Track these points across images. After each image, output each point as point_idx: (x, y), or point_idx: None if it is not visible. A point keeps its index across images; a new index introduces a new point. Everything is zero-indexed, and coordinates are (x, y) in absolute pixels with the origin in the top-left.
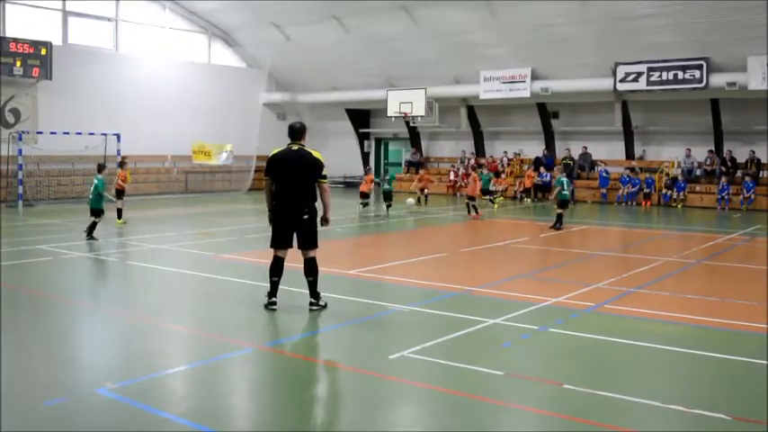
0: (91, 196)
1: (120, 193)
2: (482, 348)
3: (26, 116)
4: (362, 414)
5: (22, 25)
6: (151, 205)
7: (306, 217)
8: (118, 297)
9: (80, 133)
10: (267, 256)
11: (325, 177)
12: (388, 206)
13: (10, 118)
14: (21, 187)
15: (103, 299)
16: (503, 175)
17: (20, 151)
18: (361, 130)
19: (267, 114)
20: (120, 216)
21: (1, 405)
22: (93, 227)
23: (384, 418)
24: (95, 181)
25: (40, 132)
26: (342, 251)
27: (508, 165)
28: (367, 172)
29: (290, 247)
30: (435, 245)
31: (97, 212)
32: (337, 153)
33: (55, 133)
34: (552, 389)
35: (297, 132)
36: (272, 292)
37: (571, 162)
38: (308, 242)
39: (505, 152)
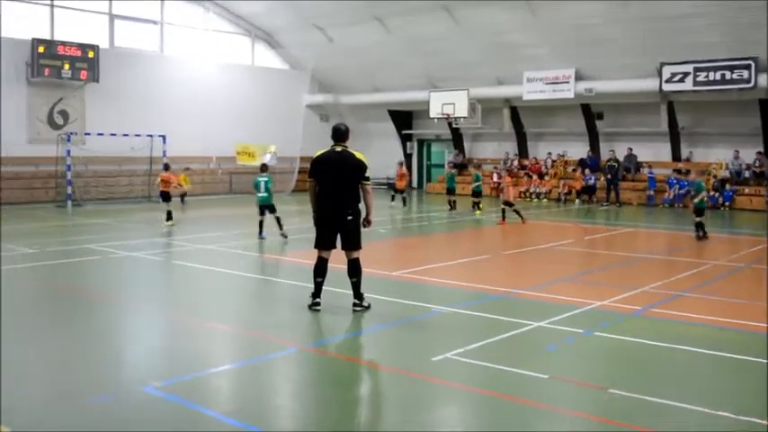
0: (265, 195)
1: (166, 196)
2: (526, 351)
3: (74, 118)
4: (406, 415)
5: (70, 29)
6: (196, 206)
7: (349, 218)
8: (163, 296)
9: (126, 135)
10: (311, 257)
11: (368, 179)
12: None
13: (59, 120)
14: (69, 187)
15: (149, 298)
16: (546, 177)
17: (68, 152)
18: (403, 132)
19: (310, 116)
20: (169, 217)
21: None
22: (279, 221)
23: (427, 420)
24: (265, 179)
25: (88, 134)
26: (385, 252)
27: (552, 166)
28: (400, 164)
29: (334, 248)
30: (478, 247)
31: (273, 208)
32: (380, 154)
33: (102, 135)
34: (597, 393)
35: (341, 134)
36: (316, 292)
37: (616, 164)
38: (352, 243)
39: (549, 153)
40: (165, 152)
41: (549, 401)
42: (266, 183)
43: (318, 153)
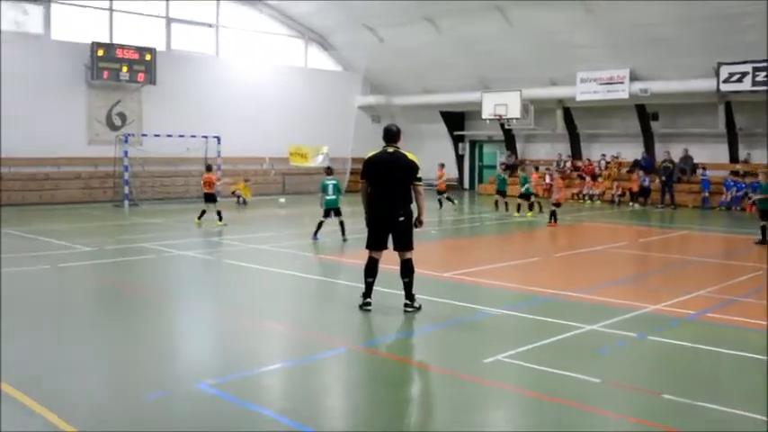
0: (334, 197)
1: (210, 197)
2: (578, 354)
3: (132, 119)
4: (456, 417)
5: (129, 32)
6: (249, 206)
7: (402, 219)
8: (216, 295)
9: (182, 136)
10: (362, 257)
11: (420, 180)
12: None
13: (117, 121)
14: (126, 187)
15: (203, 296)
16: (599, 179)
17: (126, 153)
18: (455, 133)
19: (362, 117)
20: (220, 218)
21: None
22: (342, 225)
23: (478, 422)
24: (333, 181)
25: (145, 135)
26: (436, 253)
27: (605, 168)
28: (441, 167)
29: (386, 248)
30: (529, 249)
31: (339, 211)
32: (431, 156)
33: (159, 136)
34: (650, 398)
35: (393, 135)
36: (367, 292)
37: (671, 165)
38: (404, 244)
39: (603, 155)
40: (219, 153)
41: (601, 406)
42: (335, 185)
43: (370, 154)
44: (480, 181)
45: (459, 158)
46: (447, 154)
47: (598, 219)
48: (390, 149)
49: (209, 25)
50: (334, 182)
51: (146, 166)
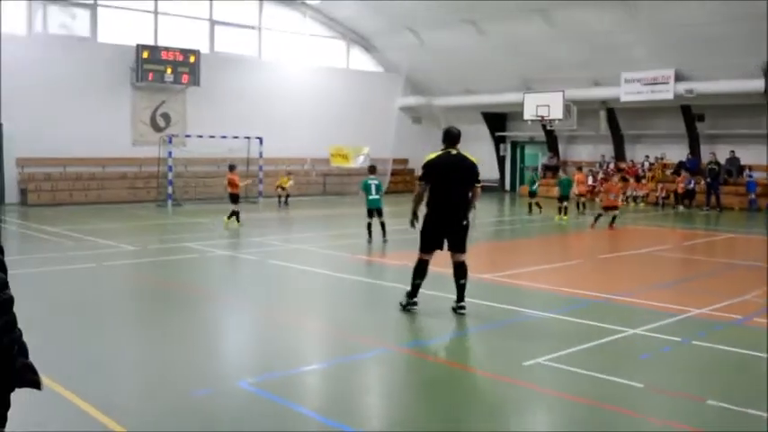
0: (376, 197)
1: (233, 197)
2: (620, 359)
3: (176, 120)
4: (494, 419)
5: (173, 35)
6: (290, 206)
7: (464, 222)
8: (258, 294)
9: (225, 137)
10: (401, 258)
11: (480, 182)
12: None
13: (161, 122)
14: (170, 187)
15: (244, 296)
16: (643, 180)
17: (170, 153)
18: (496, 134)
19: (402, 118)
20: (232, 215)
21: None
22: (383, 226)
23: (516, 425)
24: (376, 181)
25: (188, 136)
26: (477, 255)
27: (649, 169)
28: None
29: (440, 250)
30: (572, 251)
31: (381, 211)
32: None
33: (202, 137)
34: (694, 404)
35: (454, 137)
36: (413, 293)
37: (717, 167)
38: (461, 246)
39: (647, 156)
40: (261, 153)
41: (643, 411)
42: (377, 186)
43: (431, 156)
44: (521, 182)
45: (501, 160)
46: (488, 155)
47: (642, 221)
48: (453, 152)
49: (253, 28)
50: (376, 181)
51: (189, 167)
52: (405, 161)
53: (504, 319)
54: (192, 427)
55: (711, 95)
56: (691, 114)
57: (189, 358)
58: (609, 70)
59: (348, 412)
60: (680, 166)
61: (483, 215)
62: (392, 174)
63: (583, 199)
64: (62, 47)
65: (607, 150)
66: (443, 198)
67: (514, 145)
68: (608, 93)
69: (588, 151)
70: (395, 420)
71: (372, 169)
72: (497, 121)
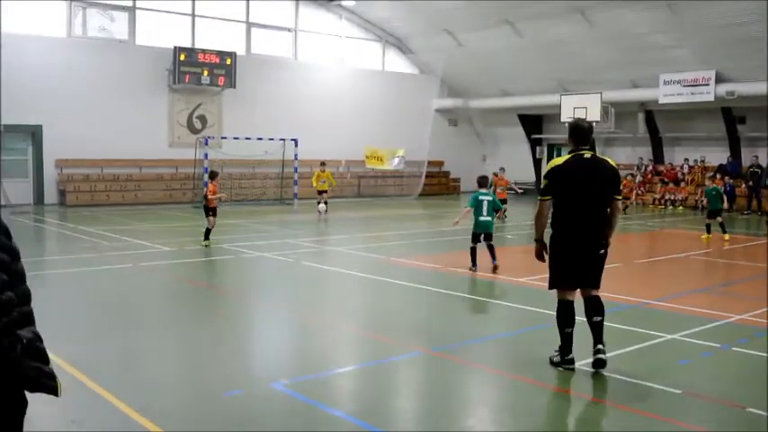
0: (488, 218)
1: (209, 210)
2: (659, 364)
3: (212, 122)
4: (531, 424)
5: (210, 37)
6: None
7: (602, 251)
8: (293, 296)
9: (261, 138)
10: (437, 261)
11: (620, 193)
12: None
13: (197, 124)
14: (206, 189)
15: (279, 297)
16: (682, 184)
17: (206, 155)
18: (533, 136)
19: (438, 120)
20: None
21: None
22: (492, 250)
23: (551, 429)
24: (489, 197)
25: (224, 137)
26: (510, 258)
27: (689, 172)
28: (499, 171)
29: (579, 287)
30: (610, 255)
31: (491, 235)
32: (509, 159)
33: (237, 138)
34: (734, 412)
35: (587, 133)
36: (567, 347)
37: (759, 170)
38: (597, 280)
39: (686, 159)
40: (296, 155)
41: (681, 417)
42: (491, 202)
43: (557, 162)
44: None
45: (537, 162)
46: (524, 157)
47: (681, 225)
48: (587, 154)
49: (289, 30)
50: (490, 197)
51: (225, 168)
52: (440, 163)
53: (539, 322)
54: (225, 427)
55: (753, 97)
56: (732, 116)
57: (223, 359)
58: (647, 72)
59: (381, 415)
60: (720, 169)
61: (519, 218)
62: (427, 176)
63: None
64: (101, 49)
65: (645, 153)
66: (576, 218)
67: (551, 147)
68: (646, 94)
69: (626, 154)
70: (427, 424)
71: (483, 181)
72: (534, 123)
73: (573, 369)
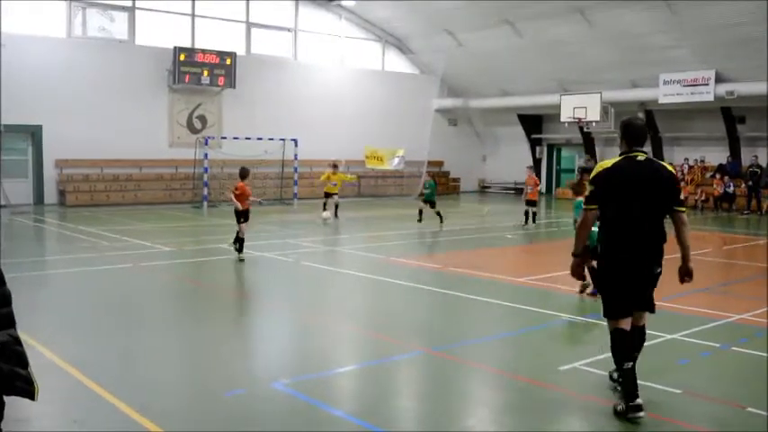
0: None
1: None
2: (658, 364)
3: (212, 122)
4: (530, 424)
5: (210, 37)
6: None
7: (659, 270)
8: (293, 296)
9: (260, 138)
10: (438, 261)
11: (683, 204)
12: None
13: (197, 124)
14: (206, 189)
15: (280, 297)
16: (682, 183)
17: (206, 155)
18: (532, 136)
19: (438, 120)
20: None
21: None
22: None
23: (550, 429)
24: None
25: (224, 137)
26: (510, 258)
27: (688, 172)
28: (531, 171)
29: (638, 311)
30: None
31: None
32: (508, 159)
33: (237, 138)
34: (734, 412)
35: (641, 133)
36: (631, 388)
37: (758, 170)
38: (650, 303)
39: (686, 159)
40: (296, 155)
41: (681, 417)
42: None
43: (605, 164)
44: (558, 185)
45: (537, 162)
46: (524, 157)
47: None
48: (641, 157)
49: (288, 30)
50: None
51: (224, 168)
52: (440, 163)
53: (539, 323)
54: (226, 427)
55: (753, 97)
56: (731, 116)
57: (224, 359)
58: (647, 71)
59: (381, 415)
60: (720, 169)
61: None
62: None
63: None
64: (100, 49)
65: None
66: (629, 230)
67: (551, 147)
68: (646, 94)
69: None
70: (427, 424)
71: (579, 187)
72: (533, 123)
73: (642, 416)
